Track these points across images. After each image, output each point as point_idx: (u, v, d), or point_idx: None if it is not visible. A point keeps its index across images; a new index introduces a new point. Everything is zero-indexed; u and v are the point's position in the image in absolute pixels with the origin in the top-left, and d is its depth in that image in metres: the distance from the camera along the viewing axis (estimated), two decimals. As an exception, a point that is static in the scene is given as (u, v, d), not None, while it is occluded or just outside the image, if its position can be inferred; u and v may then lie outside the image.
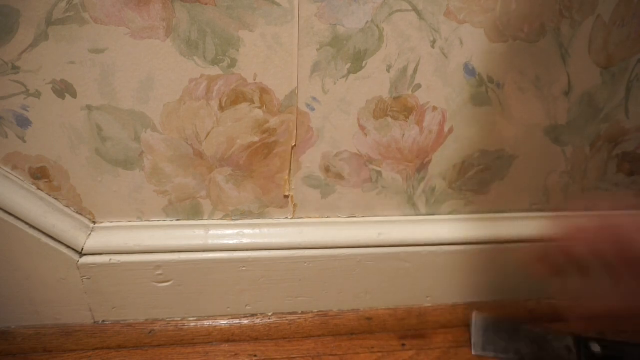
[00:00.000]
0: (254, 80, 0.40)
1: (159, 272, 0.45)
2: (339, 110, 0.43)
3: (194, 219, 0.46)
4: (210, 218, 0.47)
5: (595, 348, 0.48)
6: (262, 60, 0.39)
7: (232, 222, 0.47)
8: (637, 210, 0.53)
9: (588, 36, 0.43)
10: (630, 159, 0.51)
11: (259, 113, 0.41)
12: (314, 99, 0.42)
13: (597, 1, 0.41)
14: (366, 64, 0.41)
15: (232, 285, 0.47)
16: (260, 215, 0.47)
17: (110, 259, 0.44)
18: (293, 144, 0.44)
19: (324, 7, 0.38)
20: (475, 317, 0.50)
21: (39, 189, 0.42)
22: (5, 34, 0.35)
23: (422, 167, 0.47)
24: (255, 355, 0.47)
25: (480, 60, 0.42)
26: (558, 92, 0.45)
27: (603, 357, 0.47)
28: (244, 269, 0.46)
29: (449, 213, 0.51)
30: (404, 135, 0.45)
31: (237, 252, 0.46)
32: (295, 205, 0.47)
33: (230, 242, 0.46)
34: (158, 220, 0.46)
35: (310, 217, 0.48)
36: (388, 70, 0.41)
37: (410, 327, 0.51)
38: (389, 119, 0.44)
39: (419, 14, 0.39)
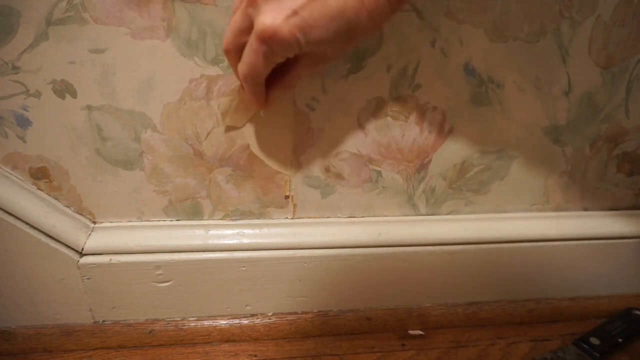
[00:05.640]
0: (254, 80, 0.40)
1: (159, 272, 0.45)
2: (339, 110, 0.43)
3: (194, 219, 0.46)
4: (210, 218, 0.47)
5: (595, 341, 0.48)
6: (262, 60, 0.39)
7: (232, 222, 0.47)
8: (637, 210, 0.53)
9: (588, 36, 0.43)
10: (630, 159, 0.51)
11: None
12: (314, 99, 0.42)
13: (597, 1, 0.41)
14: (366, 63, 0.41)
15: (232, 285, 0.47)
16: (260, 215, 0.47)
17: (111, 259, 0.44)
18: (293, 144, 0.44)
19: (324, 7, 0.38)
20: None
21: (39, 189, 0.42)
22: (5, 34, 0.35)
23: (422, 167, 0.47)
24: (255, 355, 0.47)
25: (480, 60, 0.42)
26: (558, 92, 0.45)
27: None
28: (244, 269, 0.46)
29: (449, 213, 0.51)
30: (404, 135, 0.45)
31: (237, 252, 0.46)
32: (295, 205, 0.47)
33: (230, 242, 0.46)
34: (158, 220, 0.46)
35: (310, 217, 0.48)
36: (388, 70, 0.41)
37: (410, 327, 0.51)
38: (389, 119, 0.44)
39: (419, 14, 0.39)
